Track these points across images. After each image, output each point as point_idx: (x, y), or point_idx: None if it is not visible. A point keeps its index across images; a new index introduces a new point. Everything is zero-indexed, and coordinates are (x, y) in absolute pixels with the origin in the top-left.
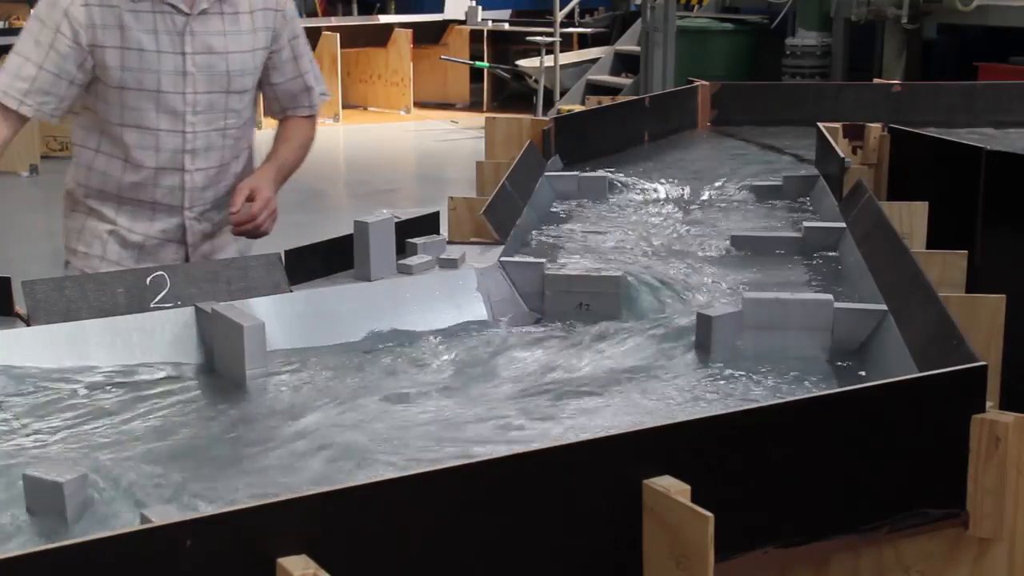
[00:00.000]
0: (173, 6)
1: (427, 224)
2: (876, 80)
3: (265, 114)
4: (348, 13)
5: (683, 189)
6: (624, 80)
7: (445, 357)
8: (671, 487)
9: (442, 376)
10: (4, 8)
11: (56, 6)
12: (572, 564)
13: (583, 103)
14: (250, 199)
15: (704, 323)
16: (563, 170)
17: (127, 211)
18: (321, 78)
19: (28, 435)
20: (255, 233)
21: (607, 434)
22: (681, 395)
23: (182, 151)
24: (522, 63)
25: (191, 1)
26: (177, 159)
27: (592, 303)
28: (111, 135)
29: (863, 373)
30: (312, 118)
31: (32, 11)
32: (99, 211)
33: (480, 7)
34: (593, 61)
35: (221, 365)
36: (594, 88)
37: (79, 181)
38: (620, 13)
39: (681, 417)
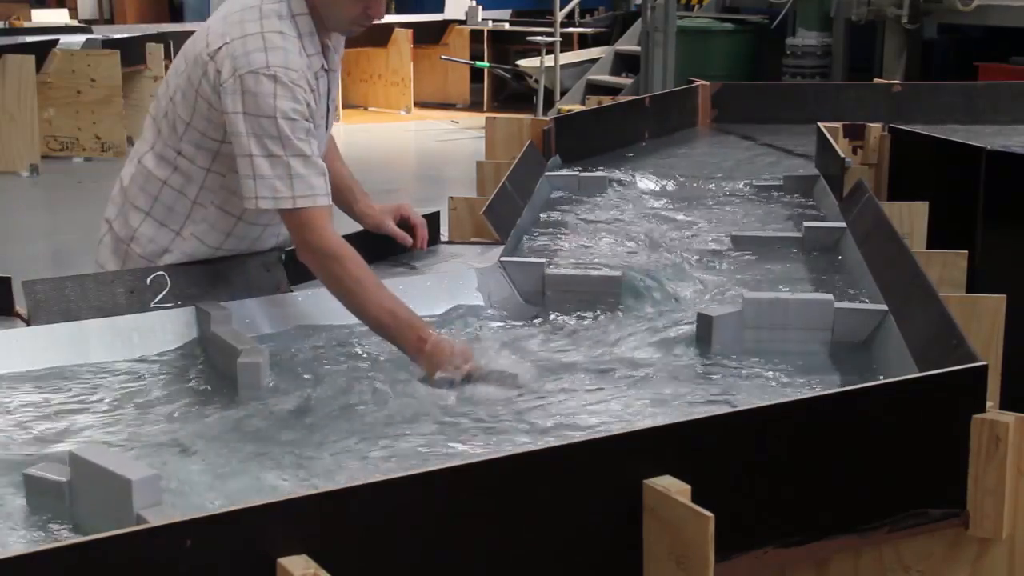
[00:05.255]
0: (327, 69)
1: (428, 223)
2: (876, 80)
3: None
4: None
5: (683, 189)
6: (624, 80)
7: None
8: (671, 487)
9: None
10: (4, 8)
11: (297, 99)
12: (572, 564)
13: (583, 103)
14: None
15: (704, 323)
16: (563, 170)
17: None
18: None
19: (29, 434)
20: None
21: (607, 434)
22: (681, 395)
23: None
24: (522, 63)
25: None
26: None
27: (592, 303)
28: (234, 190)
29: (863, 373)
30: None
31: (265, 113)
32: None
33: (480, 7)
34: (593, 61)
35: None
36: (594, 88)
37: (172, 225)
38: (620, 13)
39: (681, 417)
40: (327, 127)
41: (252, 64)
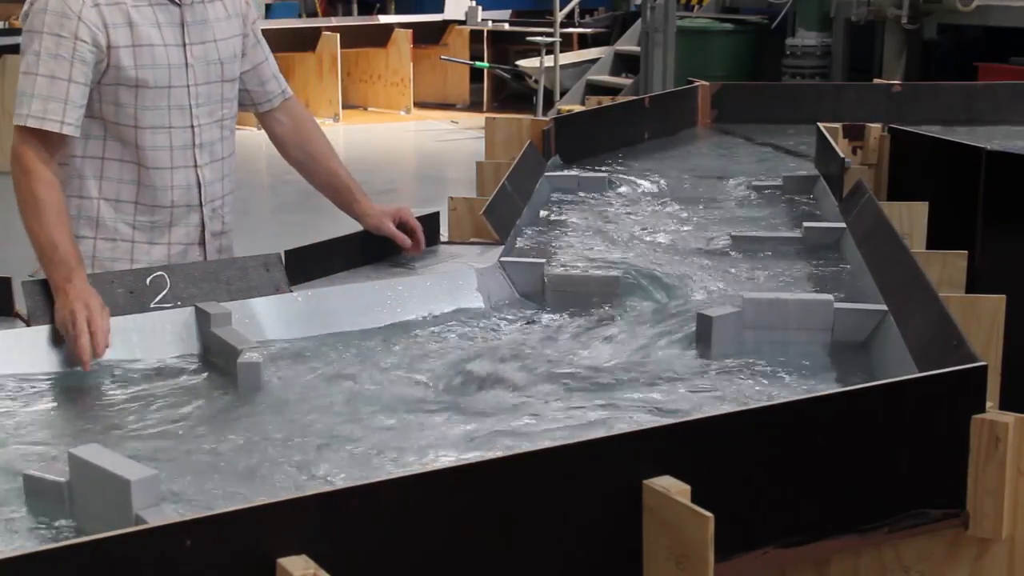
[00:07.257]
0: (177, 2)
1: (427, 224)
2: (876, 80)
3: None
4: (348, 13)
5: (683, 189)
6: (624, 80)
7: (445, 357)
8: (671, 487)
9: (441, 376)
10: (4, 8)
11: (67, 15)
12: (572, 564)
13: (583, 103)
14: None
15: (704, 323)
16: (563, 170)
17: (144, 223)
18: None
19: (28, 435)
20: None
21: (607, 434)
22: (681, 395)
23: (192, 146)
24: (522, 63)
25: None
26: (188, 155)
27: (592, 303)
28: (122, 138)
29: (863, 373)
30: (293, 100)
31: (35, 29)
32: (113, 228)
33: (480, 7)
34: (593, 61)
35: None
36: (594, 88)
37: (86, 195)
38: (620, 13)
39: (681, 417)
40: (187, 63)
41: None
